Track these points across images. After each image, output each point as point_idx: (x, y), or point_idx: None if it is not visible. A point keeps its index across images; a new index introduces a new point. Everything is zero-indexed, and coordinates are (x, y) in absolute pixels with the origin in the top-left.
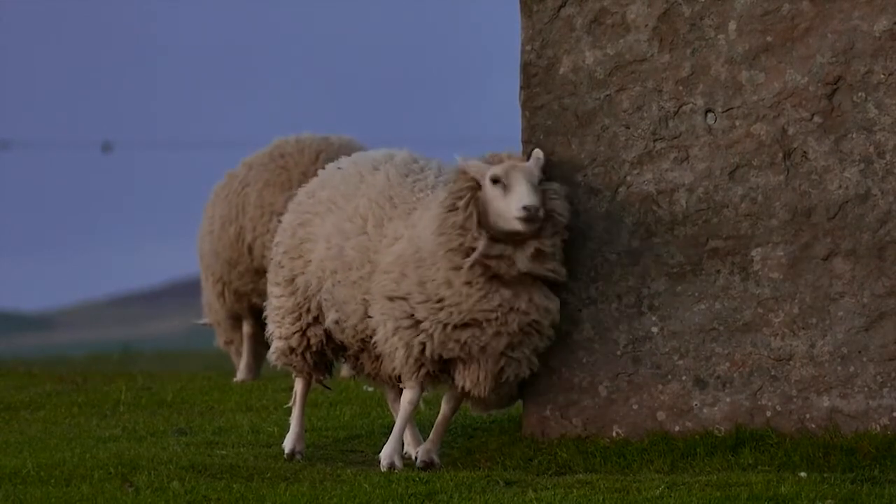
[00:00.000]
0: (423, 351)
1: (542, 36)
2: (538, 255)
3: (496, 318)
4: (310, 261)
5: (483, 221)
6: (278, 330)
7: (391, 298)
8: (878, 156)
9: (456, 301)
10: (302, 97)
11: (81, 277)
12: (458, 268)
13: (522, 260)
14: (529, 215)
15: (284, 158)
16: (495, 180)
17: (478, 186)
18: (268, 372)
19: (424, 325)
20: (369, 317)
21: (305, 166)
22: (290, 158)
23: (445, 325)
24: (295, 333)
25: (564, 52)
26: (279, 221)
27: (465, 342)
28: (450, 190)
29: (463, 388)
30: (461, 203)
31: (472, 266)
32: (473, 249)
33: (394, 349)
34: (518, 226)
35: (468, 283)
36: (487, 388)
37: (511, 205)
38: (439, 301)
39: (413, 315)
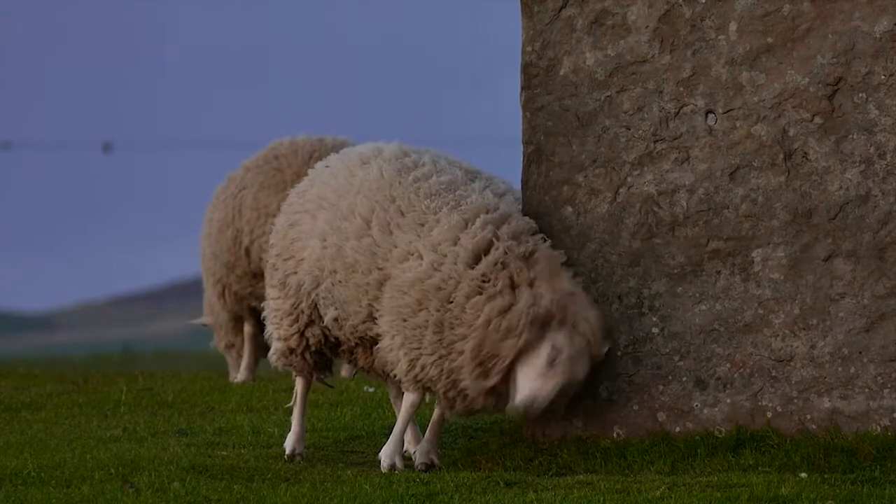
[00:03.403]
0: (422, 371)
1: (543, 37)
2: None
3: (489, 403)
4: (302, 259)
5: None
6: (277, 331)
7: (405, 319)
8: (878, 157)
9: (460, 373)
10: (303, 97)
11: (81, 277)
12: (469, 367)
13: (504, 405)
14: (529, 409)
15: (279, 160)
16: (553, 353)
17: (542, 327)
18: (268, 372)
19: (425, 358)
20: (375, 321)
21: (299, 167)
22: (283, 160)
23: (442, 371)
24: (293, 335)
25: (565, 52)
26: (273, 223)
27: (452, 397)
28: (519, 316)
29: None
30: (514, 342)
31: None
32: (489, 368)
33: (397, 360)
34: (518, 400)
35: (471, 379)
36: (462, 414)
37: (535, 382)
38: (448, 351)
39: (421, 344)
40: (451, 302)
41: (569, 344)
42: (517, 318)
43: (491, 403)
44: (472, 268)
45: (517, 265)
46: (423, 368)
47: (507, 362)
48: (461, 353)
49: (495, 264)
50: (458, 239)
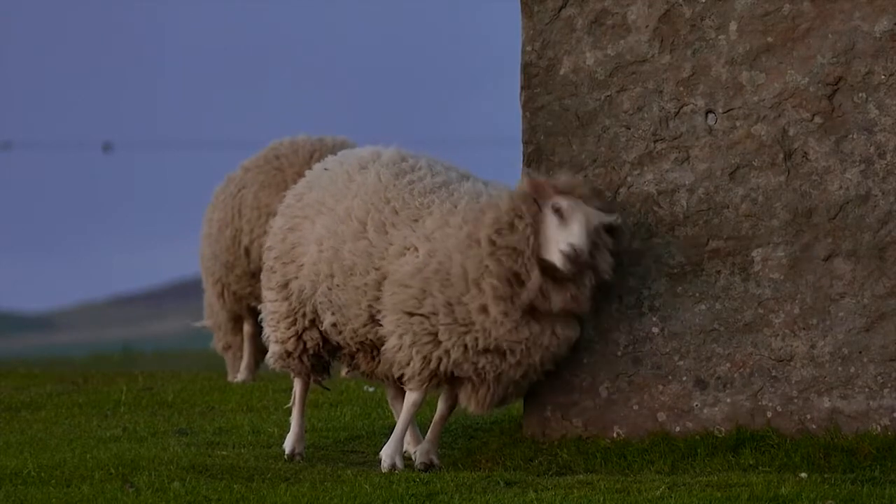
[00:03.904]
0: (439, 365)
1: (543, 36)
2: (573, 300)
3: (521, 350)
4: (302, 265)
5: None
6: (274, 334)
7: (411, 314)
8: (878, 156)
9: (486, 328)
10: (303, 97)
11: (81, 277)
12: (500, 297)
13: (557, 301)
14: (573, 256)
15: (279, 160)
16: (556, 209)
17: (539, 209)
18: (268, 372)
19: (445, 344)
20: (376, 322)
21: (300, 166)
22: (284, 160)
23: (467, 348)
24: (291, 338)
25: (565, 52)
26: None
27: (483, 367)
28: (511, 206)
29: (466, 404)
30: (521, 224)
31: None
32: (519, 276)
33: (408, 359)
34: (558, 260)
35: (505, 314)
36: (488, 408)
37: (561, 237)
38: (467, 324)
39: (435, 333)
40: (450, 275)
41: (565, 199)
42: (509, 208)
43: (523, 343)
44: (458, 237)
45: (493, 201)
46: (440, 360)
47: (529, 248)
48: (483, 308)
49: (476, 219)
50: (447, 223)
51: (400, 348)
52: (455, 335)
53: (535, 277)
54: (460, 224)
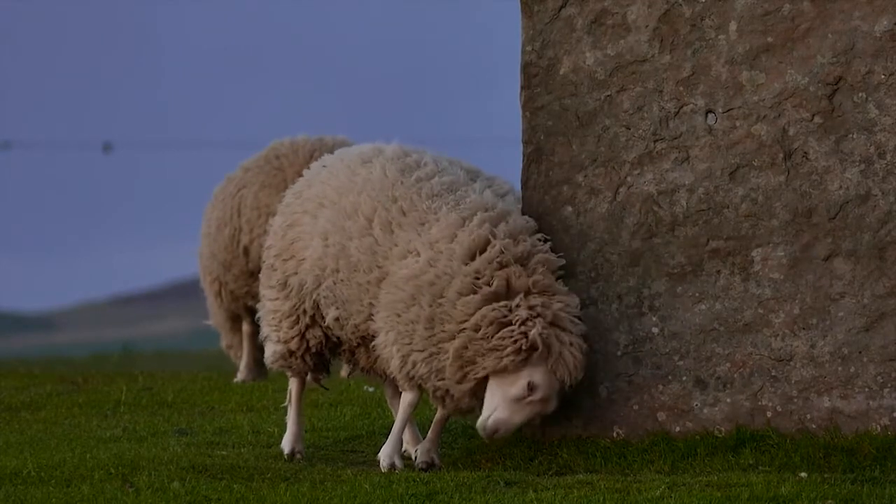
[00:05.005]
0: (413, 369)
1: (543, 36)
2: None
3: (477, 405)
4: (303, 259)
5: None
6: (275, 333)
7: (398, 314)
8: (878, 156)
9: (448, 380)
10: (304, 97)
11: (81, 277)
12: (456, 358)
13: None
14: (492, 436)
15: (279, 160)
16: (531, 387)
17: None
18: (271, 372)
19: (415, 356)
20: (373, 320)
21: (300, 166)
22: (284, 159)
23: (431, 369)
24: (294, 337)
25: (565, 52)
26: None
27: (441, 396)
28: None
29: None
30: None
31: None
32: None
33: (391, 357)
34: (479, 427)
35: (463, 377)
36: (455, 413)
37: (492, 409)
38: (438, 347)
39: (412, 340)
40: (443, 297)
41: (546, 384)
42: (504, 342)
43: (477, 405)
44: (467, 264)
45: (515, 269)
46: (414, 365)
47: (483, 374)
48: (447, 352)
49: (490, 262)
50: (455, 236)
51: (385, 346)
52: (426, 352)
53: (468, 385)
54: (471, 250)
